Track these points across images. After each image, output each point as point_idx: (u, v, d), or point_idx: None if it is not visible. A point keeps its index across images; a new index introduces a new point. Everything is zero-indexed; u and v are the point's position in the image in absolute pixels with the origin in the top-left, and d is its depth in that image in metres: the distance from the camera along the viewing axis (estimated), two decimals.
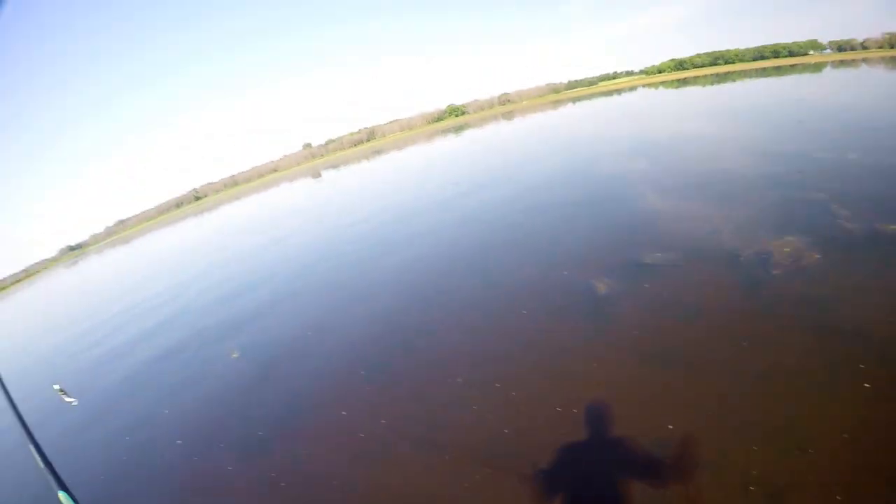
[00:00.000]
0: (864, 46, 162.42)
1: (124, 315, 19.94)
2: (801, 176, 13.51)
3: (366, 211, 25.07)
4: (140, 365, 13.29)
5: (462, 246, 14.68)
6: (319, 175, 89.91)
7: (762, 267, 8.61)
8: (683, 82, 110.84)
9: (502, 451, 6.06)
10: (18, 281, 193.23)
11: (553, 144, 35.22)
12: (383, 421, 7.49)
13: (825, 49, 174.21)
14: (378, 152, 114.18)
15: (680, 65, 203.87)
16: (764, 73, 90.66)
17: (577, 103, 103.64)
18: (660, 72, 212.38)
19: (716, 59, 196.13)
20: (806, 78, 56.08)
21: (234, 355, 11.87)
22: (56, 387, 11.61)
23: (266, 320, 13.96)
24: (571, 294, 9.45)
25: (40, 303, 45.62)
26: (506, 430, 6.38)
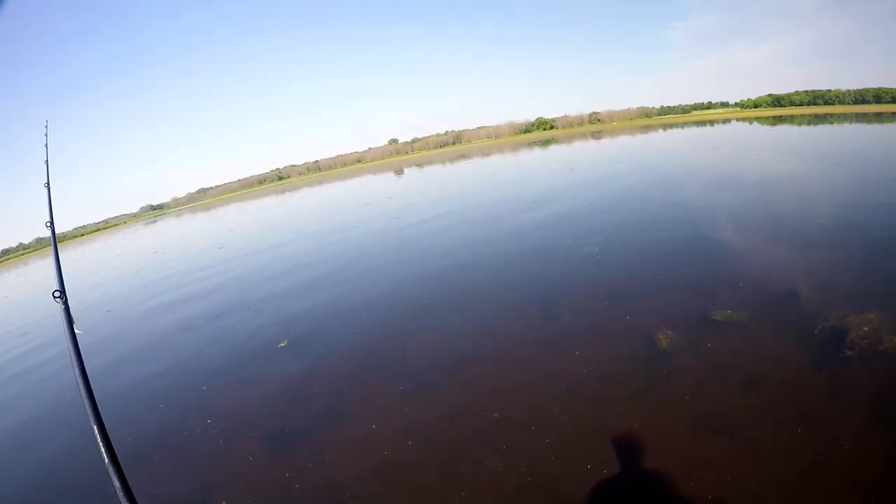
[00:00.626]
0: None
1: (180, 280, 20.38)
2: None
3: (443, 220, 24.77)
4: (185, 335, 13.46)
5: (523, 274, 14.15)
6: (402, 172, 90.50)
7: (835, 345, 7.97)
8: (779, 119, 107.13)
9: (523, 498, 5.89)
10: (97, 230, 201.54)
11: (637, 169, 34.29)
12: (410, 442, 7.36)
13: None
14: (462, 156, 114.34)
15: (777, 101, 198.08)
16: (864, 118, 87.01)
17: (668, 130, 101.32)
18: (755, 106, 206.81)
19: (815, 98, 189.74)
20: None
21: (282, 344, 11.85)
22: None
23: (323, 315, 13.85)
24: (630, 342, 8.96)
25: (111, 254, 47.20)
26: (530, 478, 6.14)
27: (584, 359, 8.72)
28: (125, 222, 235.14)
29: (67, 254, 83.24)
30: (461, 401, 8.17)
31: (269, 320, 14.00)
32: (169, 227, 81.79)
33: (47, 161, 4.20)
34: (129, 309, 19.46)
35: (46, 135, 4.63)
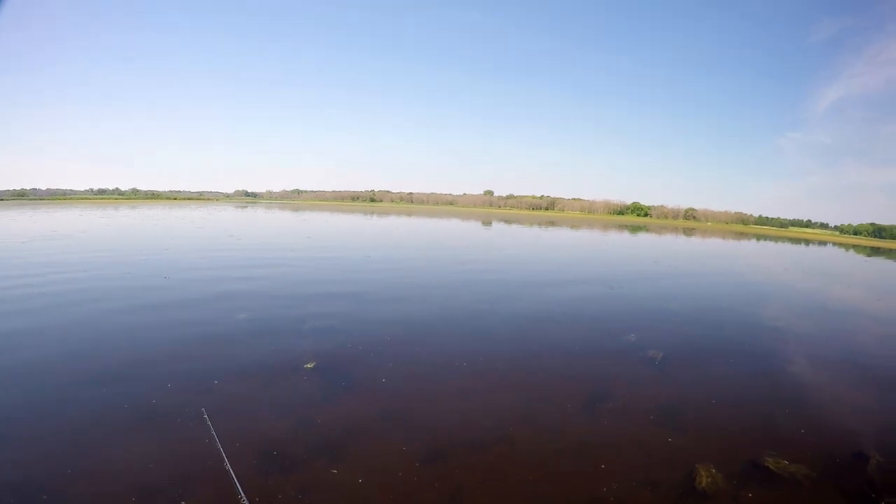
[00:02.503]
0: None
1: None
2: None
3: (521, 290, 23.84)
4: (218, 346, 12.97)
5: (576, 363, 12.99)
6: (490, 224, 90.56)
7: None
8: (876, 251, 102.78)
9: None
10: (190, 199, 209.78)
11: (725, 278, 32.85)
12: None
13: None
14: (552, 223, 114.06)
15: (878, 231, 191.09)
16: None
17: (762, 241, 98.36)
18: (855, 233, 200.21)
19: None
20: None
21: (309, 365, 11.18)
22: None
23: (362, 341, 13.28)
24: (666, 469, 7.79)
25: (192, 226, 48.05)
26: None
27: (609, 473, 7.61)
28: (218, 199, 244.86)
29: (154, 212, 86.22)
30: (468, 482, 7.25)
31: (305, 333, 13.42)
32: (255, 216, 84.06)
33: None
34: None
35: None
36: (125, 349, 12.03)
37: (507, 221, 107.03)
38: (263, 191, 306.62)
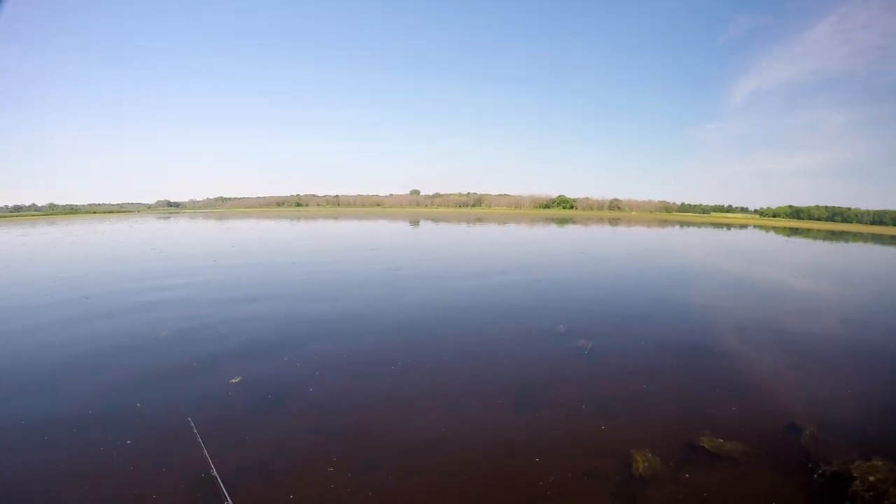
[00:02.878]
0: None
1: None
2: None
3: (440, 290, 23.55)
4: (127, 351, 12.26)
5: (507, 358, 12.88)
6: (418, 223, 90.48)
7: (836, 496, 6.76)
8: (795, 231, 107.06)
9: None
10: (111, 212, 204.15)
11: (651, 261, 33.33)
12: None
13: None
14: (479, 219, 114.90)
15: (796, 213, 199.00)
16: (880, 239, 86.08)
17: (685, 227, 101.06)
18: (774, 215, 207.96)
19: (833, 214, 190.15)
20: None
21: (235, 381, 10.65)
22: None
23: (288, 350, 12.72)
24: (602, 458, 7.65)
25: (112, 239, 46.30)
26: None
27: (545, 468, 7.41)
28: (139, 211, 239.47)
29: (74, 227, 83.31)
30: (402, 491, 6.91)
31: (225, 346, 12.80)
32: (177, 227, 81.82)
33: None
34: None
35: None
36: (33, 373, 11.27)
37: (435, 220, 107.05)
38: (186, 200, 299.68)
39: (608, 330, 15.04)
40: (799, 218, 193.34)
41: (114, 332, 14.69)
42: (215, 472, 6.30)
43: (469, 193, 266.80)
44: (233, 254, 35.40)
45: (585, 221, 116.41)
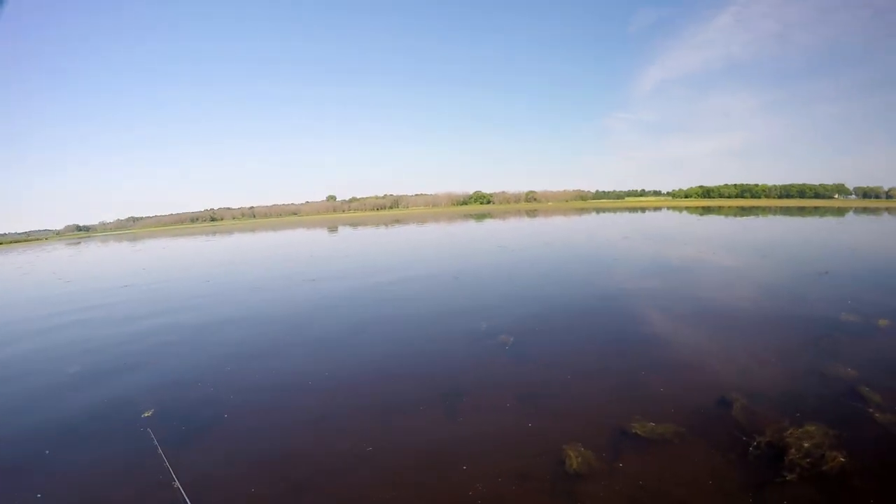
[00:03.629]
0: (888, 195, 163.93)
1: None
2: (832, 342, 11.61)
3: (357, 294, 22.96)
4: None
5: (430, 360, 12.37)
6: (336, 230, 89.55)
7: (773, 466, 6.70)
8: (707, 210, 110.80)
9: None
10: (16, 242, 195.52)
11: (567, 252, 33.57)
12: None
13: (850, 194, 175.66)
14: (398, 221, 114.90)
15: (707, 192, 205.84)
16: (787, 211, 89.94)
17: (601, 214, 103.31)
18: (686, 196, 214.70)
19: (743, 191, 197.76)
20: (831, 221, 54.88)
21: (147, 414, 9.91)
22: None
23: (201, 374, 11.88)
24: (533, 458, 7.35)
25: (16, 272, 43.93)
26: None
27: (472, 474, 7.08)
28: (47, 238, 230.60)
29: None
30: None
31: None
32: (88, 252, 78.62)
33: None
34: None
35: None
36: None
37: (353, 225, 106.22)
38: (97, 223, 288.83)
39: (529, 323, 14.86)
40: (710, 197, 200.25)
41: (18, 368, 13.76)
42: None
43: (386, 195, 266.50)
44: (143, 277, 33.99)
45: (503, 215, 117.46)
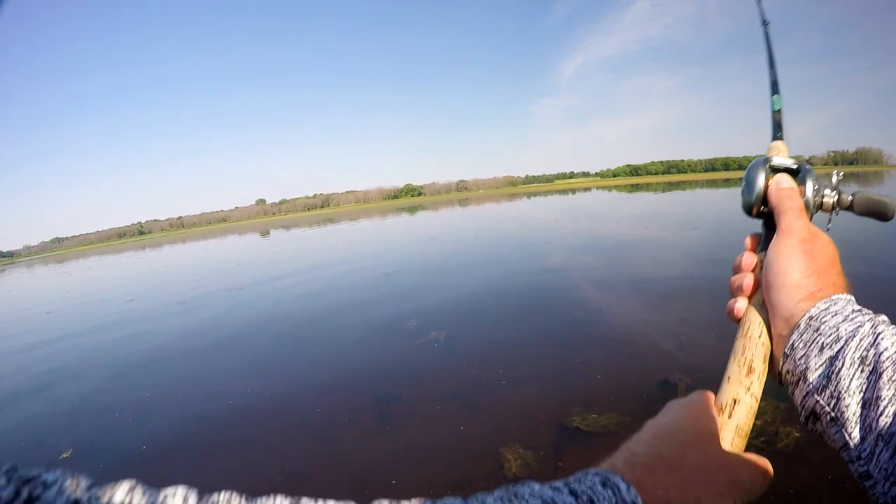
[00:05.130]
0: (810, 163, 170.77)
1: None
2: None
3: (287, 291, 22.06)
4: None
5: (358, 360, 11.70)
6: (268, 233, 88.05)
7: None
8: (636, 187, 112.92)
9: None
10: None
11: (497, 240, 33.21)
12: None
13: None
14: (330, 220, 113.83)
15: (635, 170, 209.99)
16: (713, 184, 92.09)
17: (532, 198, 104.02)
18: (615, 175, 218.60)
19: (669, 167, 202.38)
20: None
21: (65, 455, 8.98)
22: None
23: (121, 404, 10.11)
24: (470, 463, 6.77)
25: None
26: None
27: (403, 488, 6.37)
28: None
29: None
30: None
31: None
32: (10, 280, 75.51)
33: None
34: None
35: None
36: None
37: (286, 227, 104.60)
38: (20, 247, 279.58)
39: (461, 315, 14.22)
40: (638, 174, 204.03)
41: None
42: None
43: (316, 195, 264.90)
44: (63, 298, 32.50)
45: (435, 206, 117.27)
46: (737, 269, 1.36)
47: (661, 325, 11.31)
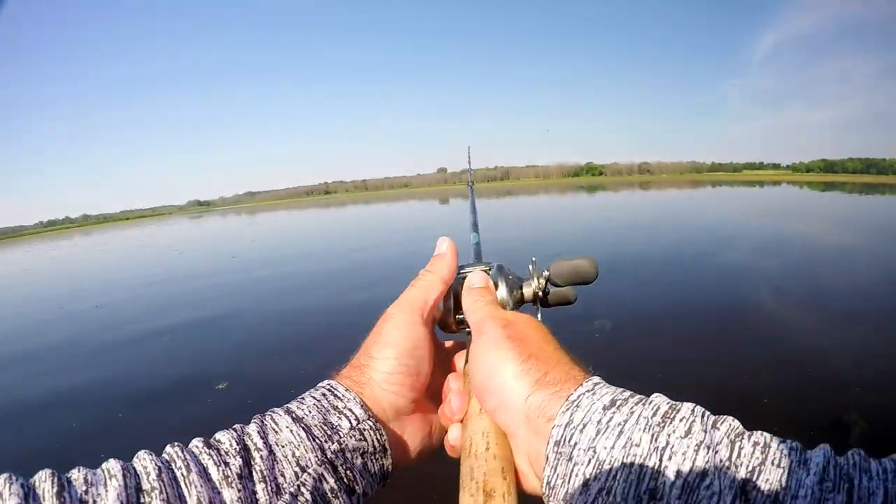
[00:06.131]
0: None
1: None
2: None
3: None
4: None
5: None
6: (447, 202, 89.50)
7: None
8: (830, 186, 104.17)
9: None
10: (143, 217, 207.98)
11: (677, 227, 31.78)
12: None
13: None
14: (509, 192, 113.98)
15: (829, 166, 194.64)
16: None
17: (717, 187, 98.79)
18: (808, 170, 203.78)
19: (868, 166, 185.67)
20: None
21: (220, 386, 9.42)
22: None
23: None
24: None
25: (137, 244, 45.77)
26: None
27: None
28: (171, 213, 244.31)
29: (104, 237, 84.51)
30: None
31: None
32: (207, 225, 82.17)
33: None
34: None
35: None
36: None
37: (465, 196, 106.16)
38: (217, 197, 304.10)
39: (630, 305, 13.43)
40: (833, 171, 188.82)
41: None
42: None
43: (496, 167, 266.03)
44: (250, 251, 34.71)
45: (615, 187, 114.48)
46: (445, 396, 1.11)
47: (842, 352, 9.86)
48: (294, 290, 17.48)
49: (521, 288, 1.15)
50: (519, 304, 1.15)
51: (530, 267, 1.16)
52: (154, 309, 16.58)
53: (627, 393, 0.86)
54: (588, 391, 0.86)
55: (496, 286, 1.12)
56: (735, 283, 15.76)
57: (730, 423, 0.79)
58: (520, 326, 0.98)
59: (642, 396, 0.85)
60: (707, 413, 0.81)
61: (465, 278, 1.14)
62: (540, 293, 1.15)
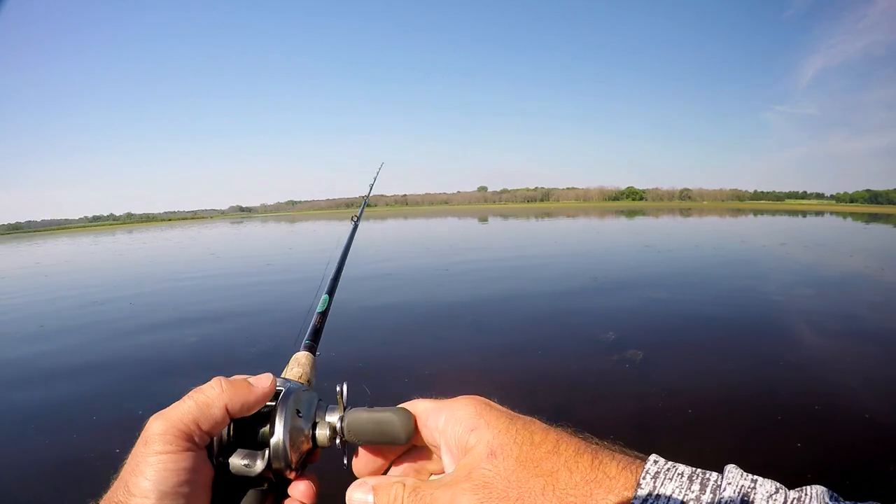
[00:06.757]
0: None
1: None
2: None
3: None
4: None
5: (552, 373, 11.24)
6: (486, 220, 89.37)
7: None
8: (874, 217, 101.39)
9: None
10: (185, 219, 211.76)
11: (724, 254, 31.13)
12: None
13: None
14: (548, 214, 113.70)
15: (874, 197, 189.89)
16: None
17: (759, 216, 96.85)
18: (851, 200, 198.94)
19: None
20: None
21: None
22: None
23: None
24: None
25: (176, 245, 46.15)
26: None
27: None
28: (212, 217, 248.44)
29: (145, 235, 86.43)
30: None
31: None
32: (246, 231, 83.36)
33: None
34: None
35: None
36: None
37: (504, 216, 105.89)
38: (258, 204, 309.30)
39: (664, 336, 13.01)
40: (878, 202, 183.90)
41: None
42: None
43: (537, 188, 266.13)
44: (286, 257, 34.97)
45: (655, 213, 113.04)
46: None
47: (884, 395, 9.19)
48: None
49: (313, 428, 0.85)
50: (304, 458, 0.85)
51: (337, 397, 0.86)
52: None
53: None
54: None
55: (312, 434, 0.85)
56: (773, 312, 15.29)
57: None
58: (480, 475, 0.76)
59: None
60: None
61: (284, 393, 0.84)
62: (337, 440, 0.85)
